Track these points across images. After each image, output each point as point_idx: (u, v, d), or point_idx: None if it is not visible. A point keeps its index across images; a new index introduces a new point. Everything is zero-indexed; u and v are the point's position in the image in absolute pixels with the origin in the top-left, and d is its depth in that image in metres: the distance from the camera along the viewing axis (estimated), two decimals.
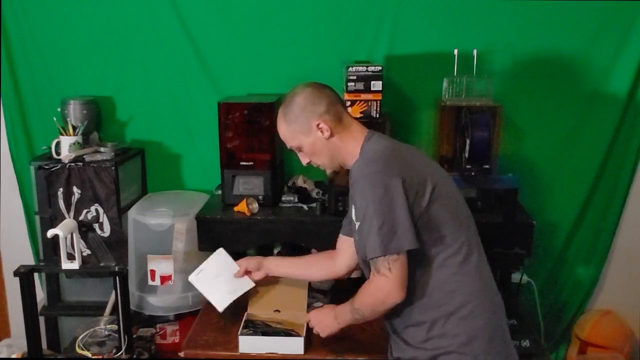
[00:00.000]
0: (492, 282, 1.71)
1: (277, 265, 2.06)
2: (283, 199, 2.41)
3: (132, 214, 2.41)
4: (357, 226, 1.66)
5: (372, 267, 1.59)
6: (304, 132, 1.69)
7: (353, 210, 1.69)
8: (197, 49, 2.55)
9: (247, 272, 2.05)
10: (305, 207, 2.36)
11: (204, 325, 2.14)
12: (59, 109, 2.52)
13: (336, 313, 1.78)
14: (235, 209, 2.32)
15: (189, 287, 2.39)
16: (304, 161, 1.78)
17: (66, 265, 1.91)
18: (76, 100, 2.53)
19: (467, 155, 2.11)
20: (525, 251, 2.17)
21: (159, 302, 2.39)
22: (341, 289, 2.43)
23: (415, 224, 1.55)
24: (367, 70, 2.22)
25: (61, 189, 2.40)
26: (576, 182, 2.57)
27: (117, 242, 2.44)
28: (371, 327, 2.13)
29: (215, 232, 2.30)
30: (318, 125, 1.67)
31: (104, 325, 2.13)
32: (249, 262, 2.05)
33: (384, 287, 1.57)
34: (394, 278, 1.55)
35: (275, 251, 2.48)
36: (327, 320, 1.81)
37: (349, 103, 2.26)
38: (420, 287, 1.61)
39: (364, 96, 2.23)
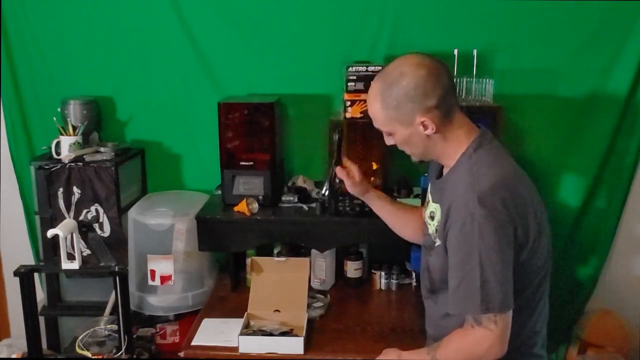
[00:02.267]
0: (545, 327, 1.58)
1: (378, 203, 1.83)
2: (283, 199, 2.41)
3: (132, 214, 2.41)
4: (437, 244, 1.50)
5: (471, 318, 1.41)
6: (403, 123, 1.45)
7: (436, 221, 1.52)
8: (197, 49, 2.55)
9: (345, 168, 1.78)
10: (305, 207, 2.36)
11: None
12: (59, 109, 2.52)
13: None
14: (235, 209, 2.32)
15: (189, 287, 2.40)
16: (389, 143, 1.56)
17: (66, 265, 1.91)
18: (76, 100, 2.53)
19: None
20: None
21: (159, 302, 2.39)
22: (341, 290, 2.45)
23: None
24: (367, 70, 2.22)
25: (61, 189, 2.40)
26: (576, 182, 2.57)
27: (117, 242, 2.44)
28: (372, 327, 2.13)
29: (215, 232, 2.30)
30: (423, 122, 1.43)
31: (104, 325, 2.13)
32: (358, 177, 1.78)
33: (485, 341, 1.38)
34: (500, 332, 1.38)
35: (275, 251, 2.49)
36: None
37: (349, 103, 2.26)
38: None
39: (364, 96, 2.23)
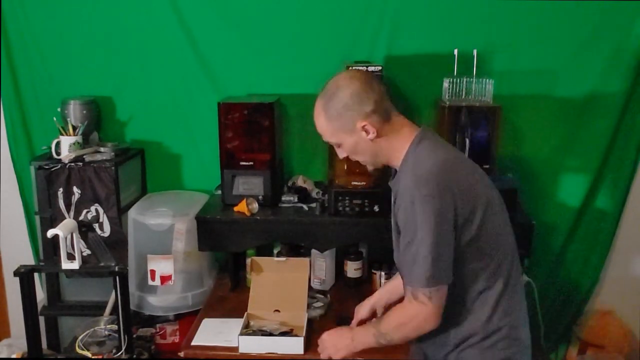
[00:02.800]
0: (525, 311, 1.65)
1: (388, 289, 1.95)
2: (283, 199, 2.41)
3: (132, 214, 2.41)
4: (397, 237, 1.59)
5: (410, 292, 1.52)
6: (347, 131, 1.56)
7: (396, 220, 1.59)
8: (197, 49, 2.55)
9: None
10: (305, 207, 2.36)
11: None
12: (59, 109, 2.52)
13: (354, 335, 1.68)
14: (235, 209, 2.32)
15: (189, 287, 2.40)
16: (341, 155, 1.66)
17: (66, 265, 1.91)
18: (76, 100, 2.53)
19: (466, 155, 2.11)
20: (525, 251, 2.17)
21: (159, 302, 2.39)
22: (341, 290, 2.45)
23: (463, 252, 1.50)
24: (367, 70, 2.22)
25: (61, 189, 2.40)
26: (575, 182, 2.57)
27: (117, 242, 2.44)
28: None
29: (215, 232, 2.30)
30: (364, 126, 1.54)
31: (104, 325, 2.13)
32: (363, 311, 1.94)
33: (419, 314, 1.51)
34: (433, 307, 1.49)
35: (275, 251, 2.49)
36: (343, 341, 1.69)
37: None
38: (452, 313, 1.55)
39: None
